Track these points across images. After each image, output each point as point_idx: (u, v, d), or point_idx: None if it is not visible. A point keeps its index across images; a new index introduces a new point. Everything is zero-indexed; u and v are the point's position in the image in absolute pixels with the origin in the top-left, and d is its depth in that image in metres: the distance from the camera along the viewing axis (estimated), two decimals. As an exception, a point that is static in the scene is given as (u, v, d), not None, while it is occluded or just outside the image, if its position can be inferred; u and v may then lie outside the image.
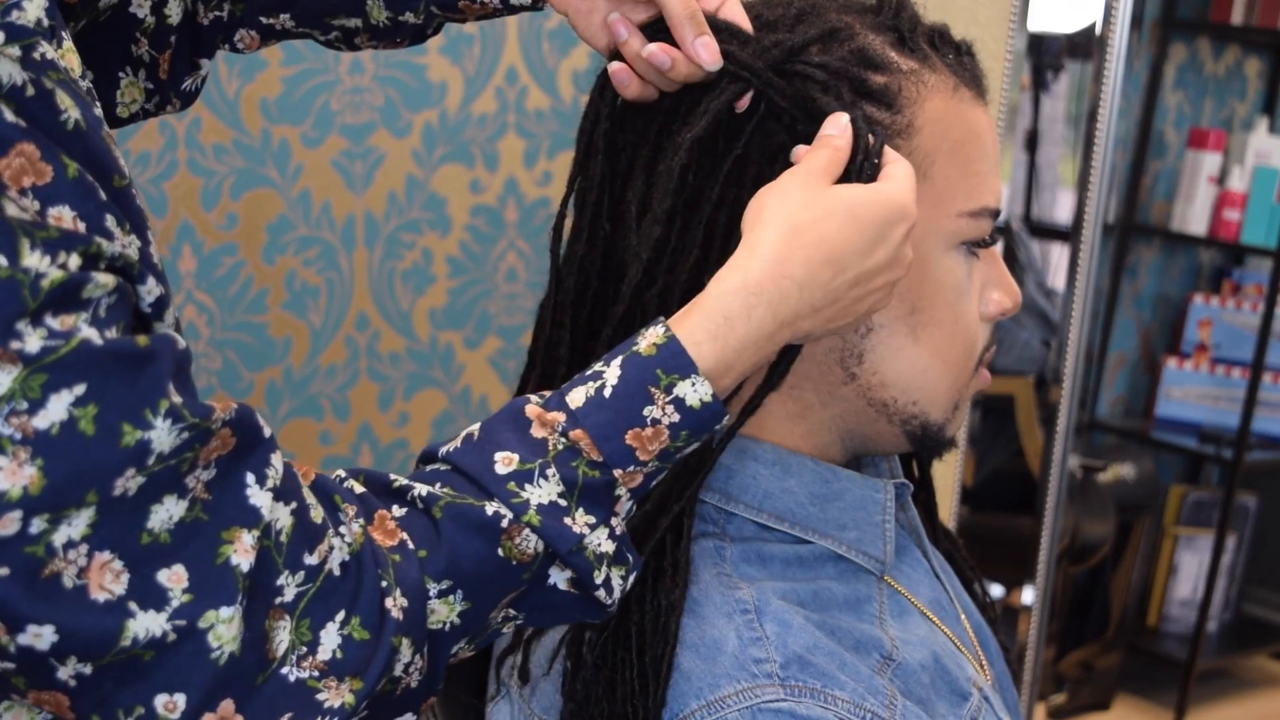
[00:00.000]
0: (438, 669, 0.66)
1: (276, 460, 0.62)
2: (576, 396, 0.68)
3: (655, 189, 0.76)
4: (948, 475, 1.95)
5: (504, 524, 0.65)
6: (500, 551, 0.65)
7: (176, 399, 0.56)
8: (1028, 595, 2.04)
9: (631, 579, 0.70)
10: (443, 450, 0.69)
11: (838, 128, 0.74)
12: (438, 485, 0.67)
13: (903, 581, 0.84)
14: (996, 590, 2.07)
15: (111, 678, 0.56)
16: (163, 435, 0.56)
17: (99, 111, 0.61)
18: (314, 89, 2.02)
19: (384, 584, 0.63)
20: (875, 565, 0.82)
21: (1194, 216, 3.11)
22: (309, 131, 2.03)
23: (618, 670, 0.74)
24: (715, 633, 0.73)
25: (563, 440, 0.67)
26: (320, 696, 0.61)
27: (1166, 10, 3.07)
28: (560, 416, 0.67)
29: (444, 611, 0.65)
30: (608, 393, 0.67)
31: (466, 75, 2.16)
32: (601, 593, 0.68)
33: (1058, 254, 2.52)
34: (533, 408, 0.68)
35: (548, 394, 0.69)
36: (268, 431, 0.62)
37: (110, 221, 0.58)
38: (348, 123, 2.06)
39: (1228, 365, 3.19)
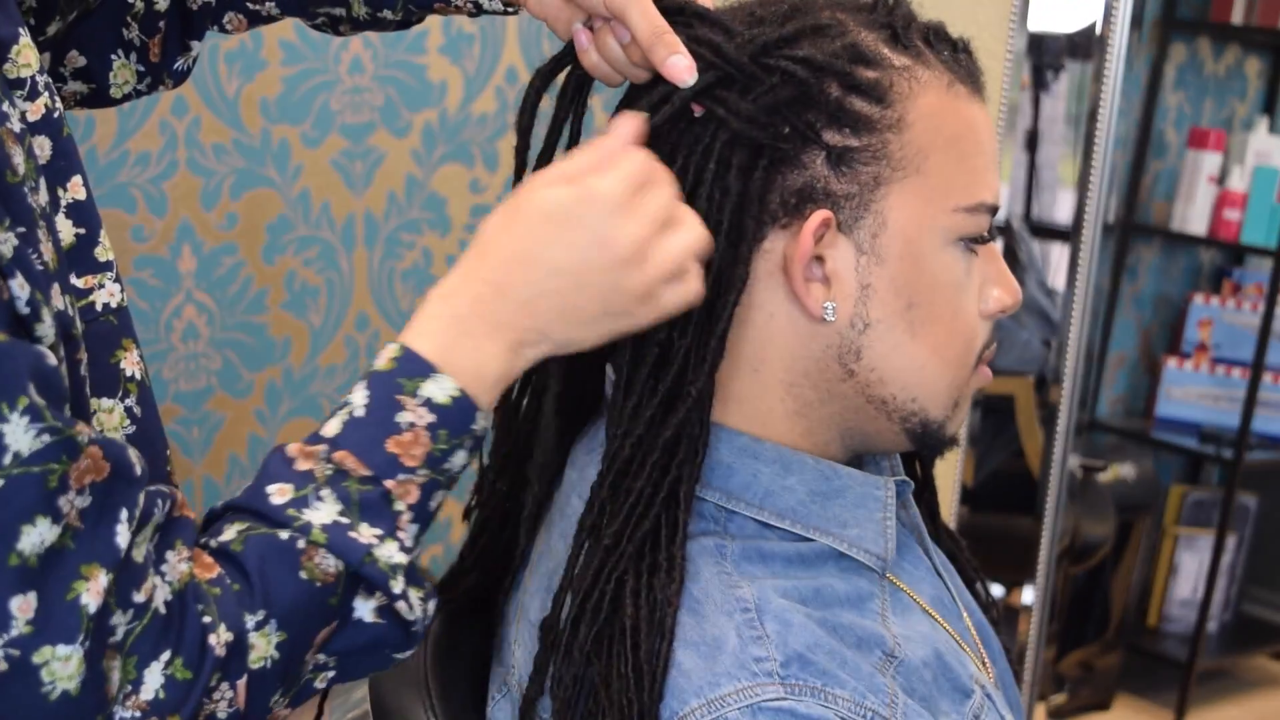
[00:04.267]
0: (258, 715, 0.66)
1: (143, 500, 0.61)
2: (331, 427, 0.69)
3: None
4: (948, 475, 1.95)
5: (300, 544, 0.66)
6: (303, 574, 0.66)
7: (39, 400, 0.55)
8: (1028, 595, 2.04)
9: (432, 605, 0.70)
10: (220, 504, 0.69)
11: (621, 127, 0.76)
12: (228, 529, 0.67)
13: (904, 579, 0.84)
14: (997, 590, 2.07)
15: None
16: (19, 432, 0.55)
17: (8, 108, 0.61)
18: (314, 89, 2.02)
19: (206, 620, 0.63)
20: (876, 562, 0.81)
21: (1194, 216, 3.10)
22: (309, 131, 2.03)
23: (612, 665, 0.74)
24: (716, 631, 0.73)
25: (329, 465, 0.67)
26: None
27: (1166, 10, 3.07)
28: (321, 446, 0.68)
29: (262, 646, 0.65)
30: (360, 412, 0.69)
31: (466, 75, 2.16)
32: (403, 605, 0.68)
33: (1058, 254, 2.52)
34: (293, 446, 0.69)
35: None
36: (139, 469, 0.62)
37: None
38: (347, 122, 2.06)
39: (1228, 365, 3.19)
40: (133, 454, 0.61)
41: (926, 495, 0.95)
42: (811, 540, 0.80)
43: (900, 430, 0.82)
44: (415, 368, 0.69)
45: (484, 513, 0.93)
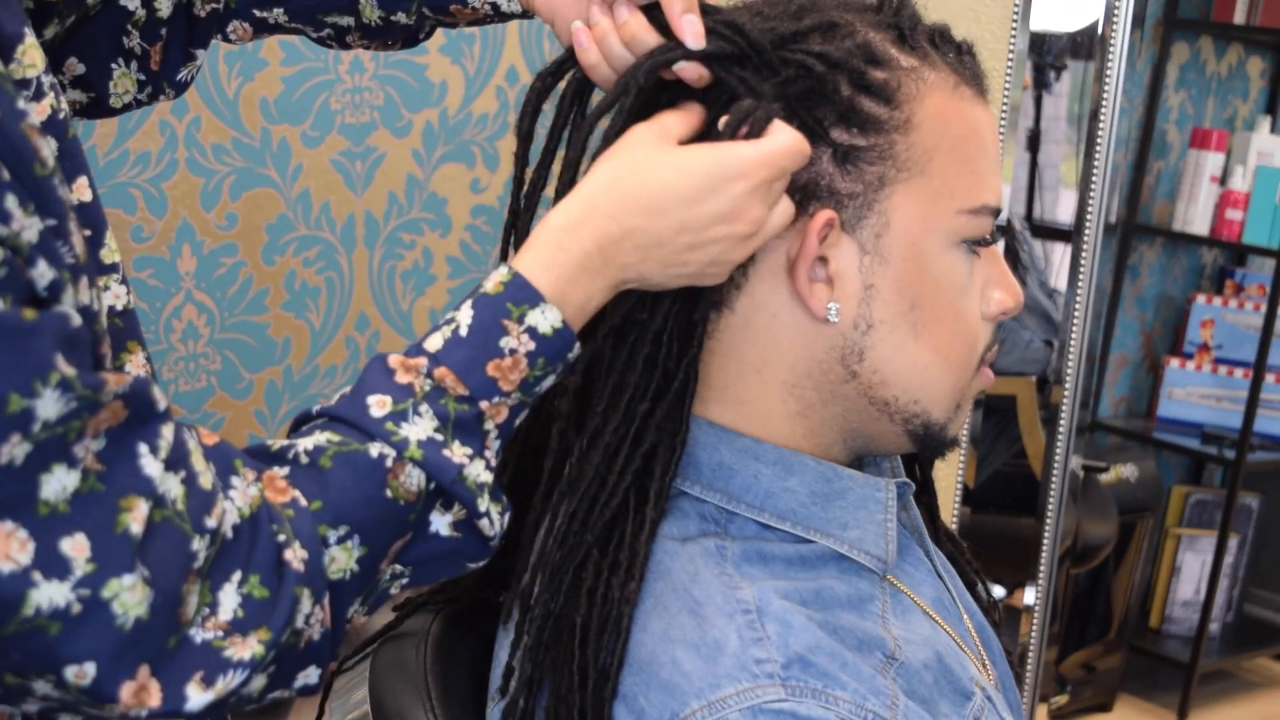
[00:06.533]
0: (339, 625, 0.68)
1: (168, 431, 0.62)
2: (434, 341, 0.71)
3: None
4: (949, 475, 1.95)
5: (389, 463, 0.68)
6: (388, 492, 0.68)
7: (69, 371, 0.56)
8: (1030, 596, 2.04)
9: (506, 518, 0.73)
10: (317, 408, 0.71)
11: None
12: (320, 436, 0.69)
13: (905, 580, 0.84)
14: (998, 591, 2.06)
15: (18, 649, 0.56)
16: (49, 404, 0.55)
17: (25, 105, 0.61)
18: (314, 88, 2.02)
19: (281, 538, 0.64)
20: (877, 564, 0.81)
21: (1196, 216, 3.10)
22: (309, 131, 2.03)
23: (560, 660, 0.74)
24: (716, 633, 0.73)
25: (429, 381, 0.70)
26: (228, 653, 0.62)
27: (1169, 9, 3.07)
28: (422, 360, 0.70)
29: (343, 559, 0.67)
30: (464, 331, 0.71)
31: (467, 75, 2.15)
32: (485, 522, 0.71)
33: (1060, 254, 2.51)
34: (394, 357, 0.71)
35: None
36: (163, 404, 0.62)
37: (11, 202, 0.57)
38: (348, 122, 2.06)
39: (1230, 365, 3.19)
40: (156, 390, 0.62)
41: (926, 497, 0.95)
42: (812, 542, 0.80)
43: (902, 432, 0.82)
44: (524, 295, 0.71)
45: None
